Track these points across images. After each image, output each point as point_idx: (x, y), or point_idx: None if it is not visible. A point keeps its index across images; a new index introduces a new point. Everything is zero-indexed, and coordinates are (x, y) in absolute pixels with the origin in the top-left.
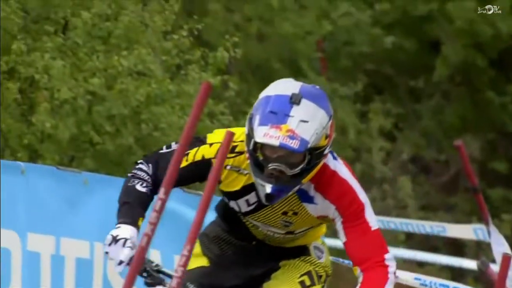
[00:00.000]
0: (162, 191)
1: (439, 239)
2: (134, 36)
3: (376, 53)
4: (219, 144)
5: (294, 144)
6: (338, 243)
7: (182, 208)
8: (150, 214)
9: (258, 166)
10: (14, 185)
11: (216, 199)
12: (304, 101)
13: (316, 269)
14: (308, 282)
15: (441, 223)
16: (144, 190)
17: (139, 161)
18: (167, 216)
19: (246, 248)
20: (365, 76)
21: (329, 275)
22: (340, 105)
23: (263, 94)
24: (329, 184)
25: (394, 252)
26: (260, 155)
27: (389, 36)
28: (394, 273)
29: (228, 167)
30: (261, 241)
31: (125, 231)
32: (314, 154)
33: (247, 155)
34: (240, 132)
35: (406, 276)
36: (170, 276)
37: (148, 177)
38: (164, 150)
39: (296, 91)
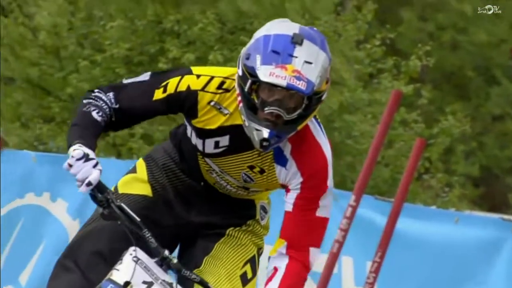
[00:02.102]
0: (352, 198)
1: None
2: (328, 46)
3: None
4: (208, 77)
5: (301, 85)
6: None
7: (373, 214)
8: (341, 221)
9: (252, 109)
10: None
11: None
12: (306, 42)
13: (259, 242)
14: (250, 275)
15: None
16: (99, 119)
17: (95, 89)
18: (358, 223)
19: (194, 188)
20: None
21: (261, 247)
22: None
23: (260, 33)
24: (307, 153)
25: None
26: (255, 98)
27: None
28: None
29: (212, 103)
30: (210, 185)
31: (91, 152)
32: (313, 98)
33: (238, 97)
34: (230, 70)
35: None
36: (128, 216)
37: (106, 106)
38: (129, 80)
39: (297, 31)
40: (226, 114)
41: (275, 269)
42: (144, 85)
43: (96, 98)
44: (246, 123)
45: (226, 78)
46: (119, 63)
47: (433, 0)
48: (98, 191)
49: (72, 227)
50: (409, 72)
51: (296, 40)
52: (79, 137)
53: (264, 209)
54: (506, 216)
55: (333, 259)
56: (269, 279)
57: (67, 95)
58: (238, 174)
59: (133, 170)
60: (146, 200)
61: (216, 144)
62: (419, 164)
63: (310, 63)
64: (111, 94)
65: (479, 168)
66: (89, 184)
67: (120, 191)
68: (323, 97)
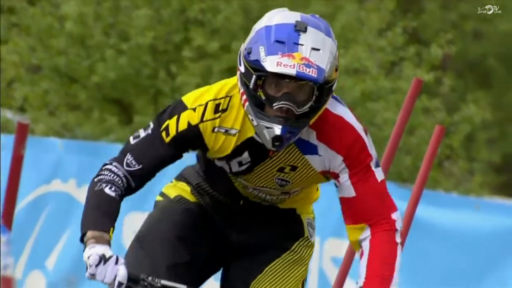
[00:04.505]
0: None
1: None
2: (351, 35)
3: None
4: (202, 106)
5: (312, 73)
6: None
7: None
8: None
9: (260, 107)
10: None
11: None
12: (310, 29)
13: (303, 273)
14: None
15: None
16: (113, 194)
17: (105, 163)
18: None
19: (233, 207)
20: None
21: (305, 277)
22: None
23: (260, 25)
24: (334, 131)
25: None
26: (261, 94)
27: None
28: (400, 233)
29: (216, 130)
30: (250, 201)
31: (106, 249)
32: (324, 88)
33: (243, 96)
34: (219, 88)
35: None
36: None
37: (117, 178)
38: (133, 141)
39: (299, 19)
40: (235, 133)
41: (361, 253)
42: (151, 137)
43: (105, 173)
44: (255, 122)
45: (219, 98)
46: (145, 52)
47: None
48: (134, 282)
49: None
50: (431, 60)
51: (300, 28)
52: (91, 226)
53: (311, 225)
54: None
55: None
56: (360, 256)
57: (93, 83)
58: (272, 182)
59: (163, 194)
60: (193, 210)
61: (240, 163)
62: (439, 151)
63: (318, 49)
64: (129, 157)
65: (501, 156)
66: (120, 284)
67: (169, 193)
68: (334, 86)
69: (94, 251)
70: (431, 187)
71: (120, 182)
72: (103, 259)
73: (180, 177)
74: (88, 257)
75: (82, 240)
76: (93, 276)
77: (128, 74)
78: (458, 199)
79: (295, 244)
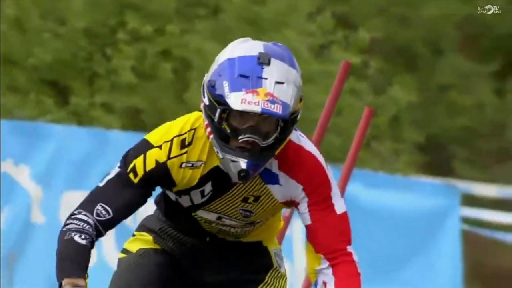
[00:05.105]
0: None
1: None
2: (282, 19)
3: None
4: (168, 143)
5: (277, 109)
6: None
7: None
8: None
9: (225, 139)
10: None
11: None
12: (273, 61)
13: None
14: None
15: None
16: (84, 242)
17: (73, 212)
18: None
19: (199, 246)
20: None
21: None
22: (478, 83)
23: (223, 57)
24: (294, 160)
25: None
26: (226, 127)
27: None
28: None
29: (183, 165)
30: (216, 237)
31: None
32: (289, 120)
33: (208, 129)
34: (183, 122)
35: None
36: None
37: (87, 225)
38: (101, 186)
39: (262, 50)
40: (201, 165)
41: (325, 284)
42: (119, 180)
43: (75, 222)
44: (220, 155)
45: (184, 133)
46: (81, 35)
47: None
48: None
49: (35, 192)
50: (359, 44)
51: (263, 60)
52: (66, 275)
53: (278, 255)
54: (453, 181)
55: (286, 222)
56: None
57: (31, 66)
58: (236, 213)
59: (125, 251)
60: (160, 262)
61: (202, 194)
62: (368, 132)
63: (282, 83)
64: (99, 207)
65: (426, 137)
66: None
67: (131, 248)
68: (298, 117)
69: None
70: (359, 166)
71: (90, 229)
72: None
73: (141, 228)
74: None
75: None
76: None
77: (65, 57)
78: (385, 177)
79: (267, 276)
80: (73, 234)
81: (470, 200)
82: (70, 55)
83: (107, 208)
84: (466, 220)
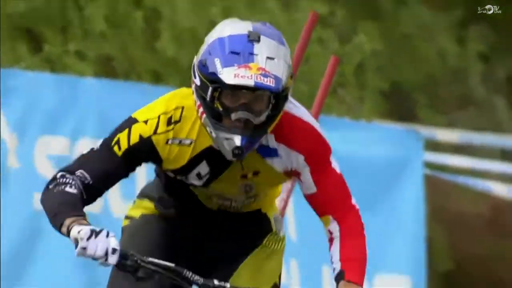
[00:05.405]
0: None
1: None
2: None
3: None
4: (155, 119)
5: (269, 82)
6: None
7: None
8: None
9: (217, 118)
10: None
11: None
12: (263, 38)
13: (280, 255)
14: None
15: None
16: (75, 191)
17: (56, 172)
18: None
19: (199, 216)
20: (467, 4)
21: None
22: (440, 31)
23: (212, 37)
24: (292, 131)
25: (488, 167)
26: (218, 106)
27: None
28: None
29: (170, 142)
30: (215, 211)
31: (94, 227)
32: (281, 96)
33: (200, 109)
34: (167, 100)
35: (500, 189)
36: (165, 268)
37: (73, 181)
38: (84, 155)
39: (251, 28)
40: (190, 143)
41: (330, 232)
42: (103, 151)
43: (61, 179)
44: (214, 134)
45: (170, 111)
46: None
47: None
48: (123, 258)
49: (11, 140)
50: None
51: (253, 38)
52: (66, 215)
53: (278, 220)
54: (416, 127)
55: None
56: (330, 243)
57: (4, 15)
58: (236, 190)
59: (129, 217)
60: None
61: (199, 175)
62: (334, 80)
63: (273, 58)
64: (81, 171)
65: (390, 84)
66: (114, 251)
67: (134, 214)
68: (289, 94)
69: (83, 226)
70: (325, 112)
71: (77, 185)
72: (94, 233)
73: (142, 195)
74: (79, 232)
75: (60, 230)
76: (84, 249)
77: (38, 5)
78: (350, 123)
79: (265, 240)
80: (62, 186)
81: (433, 146)
82: (44, 3)
83: (86, 175)
84: (428, 165)
